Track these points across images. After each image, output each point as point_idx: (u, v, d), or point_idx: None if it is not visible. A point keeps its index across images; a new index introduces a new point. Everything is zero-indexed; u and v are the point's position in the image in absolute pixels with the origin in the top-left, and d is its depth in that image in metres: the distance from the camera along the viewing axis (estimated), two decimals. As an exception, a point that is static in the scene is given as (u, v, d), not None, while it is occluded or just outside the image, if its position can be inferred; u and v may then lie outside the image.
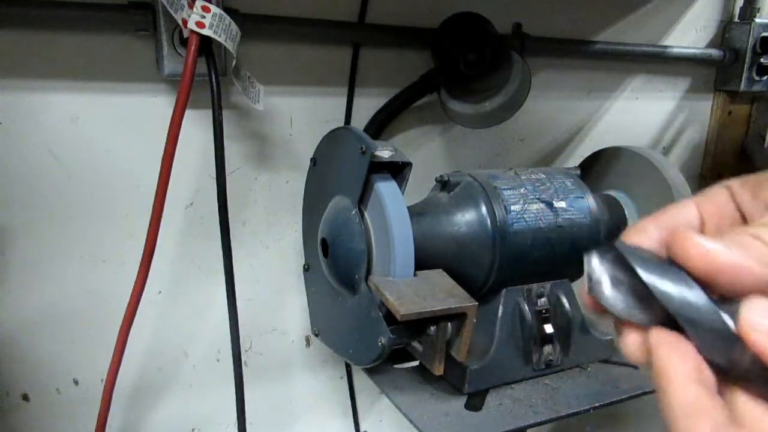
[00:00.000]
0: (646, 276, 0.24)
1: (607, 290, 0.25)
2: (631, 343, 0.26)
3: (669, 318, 0.24)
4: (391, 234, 0.53)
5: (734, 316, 0.23)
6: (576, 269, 0.68)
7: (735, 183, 0.28)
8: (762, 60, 1.01)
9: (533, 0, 0.83)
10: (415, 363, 0.66)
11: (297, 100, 0.72)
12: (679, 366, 0.24)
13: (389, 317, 0.52)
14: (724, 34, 1.03)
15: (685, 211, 0.29)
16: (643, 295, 0.25)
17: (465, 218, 0.62)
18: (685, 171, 1.08)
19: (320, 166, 0.65)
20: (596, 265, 0.26)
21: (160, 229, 0.57)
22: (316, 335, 0.68)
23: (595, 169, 0.78)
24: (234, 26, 0.56)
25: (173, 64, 0.60)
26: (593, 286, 0.26)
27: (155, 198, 0.56)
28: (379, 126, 0.75)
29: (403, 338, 0.54)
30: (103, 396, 0.62)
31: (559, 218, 0.64)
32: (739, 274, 0.24)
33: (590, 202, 0.67)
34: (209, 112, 0.59)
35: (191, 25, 0.53)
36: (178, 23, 0.55)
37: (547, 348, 0.63)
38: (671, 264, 0.25)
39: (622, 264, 0.25)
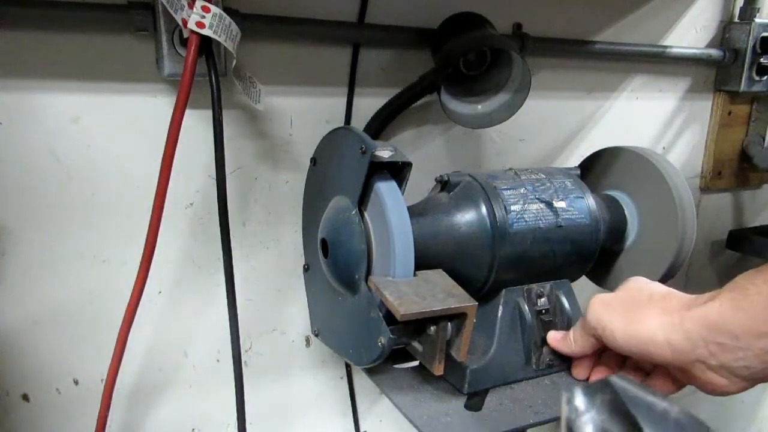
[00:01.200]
0: None
1: None
2: None
3: None
4: (391, 234, 0.53)
5: None
6: (576, 269, 0.68)
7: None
8: (762, 60, 1.01)
9: (533, 0, 0.83)
10: (415, 363, 0.66)
11: (297, 100, 0.72)
12: None
13: (389, 317, 0.52)
14: (724, 34, 1.03)
15: None
16: None
17: (465, 218, 0.62)
18: (685, 171, 1.08)
19: (320, 166, 0.65)
20: (581, 409, 0.17)
21: (160, 229, 0.57)
22: (316, 335, 0.68)
23: (595, 169, 0.78)
24: (234, 26, 0.56)
25: (173, 64, 0.60)
26: None
27: (155, 198, 0.56)
28: (379, 126, 0.75)
29: (403, 338, 0.54)
30: (103, 396, 0.62)
31: (559, 218, 0.64)
32: (562, 351, 0.58)
33: (590, 202, 0.67)
34: (209, 112, 0.59)
35: (191, 25, 0.53)
36: (178, 23, 0.55)
37: (547, 348, 0.63)
38: (692, 418, 0.17)
39: (621, 414, 0.16)
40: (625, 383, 0.17)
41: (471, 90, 0.75)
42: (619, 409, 0.16)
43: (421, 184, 0.70)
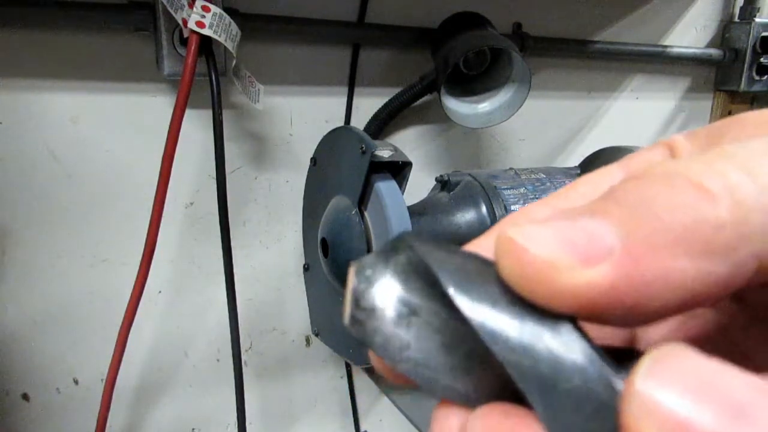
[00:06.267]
0: (468, 304, 0.12)
1: (389, 327, 0.13)
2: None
3: (509, 384, 0.12)
4: (391, 234, 0.53)
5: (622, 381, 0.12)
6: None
7: (679, 138, 0.17)
8: (762, 60, 1.01)
9: (533, 0, 0.83)
10: (415, 363, 0.66)
11: (297, 100, 0.72)
12: None
13: (389, 317, 0.52)
14: (724, 34, 1.03)
15: (606, 183, 0.17)
16: (460, 339, 0.13)
17: (465, 218, 0.62)
18: (685, 171, 1.07)
19: (320, 166, 0.65)
20: (373, 278, 0.13)
21: (160, 229, 0.57)
22: (316, 335, 0.68)
23: (595, 169, 0.78)
24: (234, 26, 0.56)
25: (173, 64, 0.60)
26: (360, 317, 0.13)
27: (155, 198, 0.56)
28: (379, 126, 0.75)
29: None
30: (103, 396, 0.62)
31: (559, 218, 0.64)
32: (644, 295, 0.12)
33: (590, 201, 0.67)
34: (209, 112, 0.59)
35: (191, 25, 0.53)
36: (178, 23, 0.55)
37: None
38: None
39: (419, 273, 0.13)
40: (420, 239, 0.13)
41: (471, 90, 0.75)
42: (416, 268, 0.13)
43: (421, 183, 0.70)
